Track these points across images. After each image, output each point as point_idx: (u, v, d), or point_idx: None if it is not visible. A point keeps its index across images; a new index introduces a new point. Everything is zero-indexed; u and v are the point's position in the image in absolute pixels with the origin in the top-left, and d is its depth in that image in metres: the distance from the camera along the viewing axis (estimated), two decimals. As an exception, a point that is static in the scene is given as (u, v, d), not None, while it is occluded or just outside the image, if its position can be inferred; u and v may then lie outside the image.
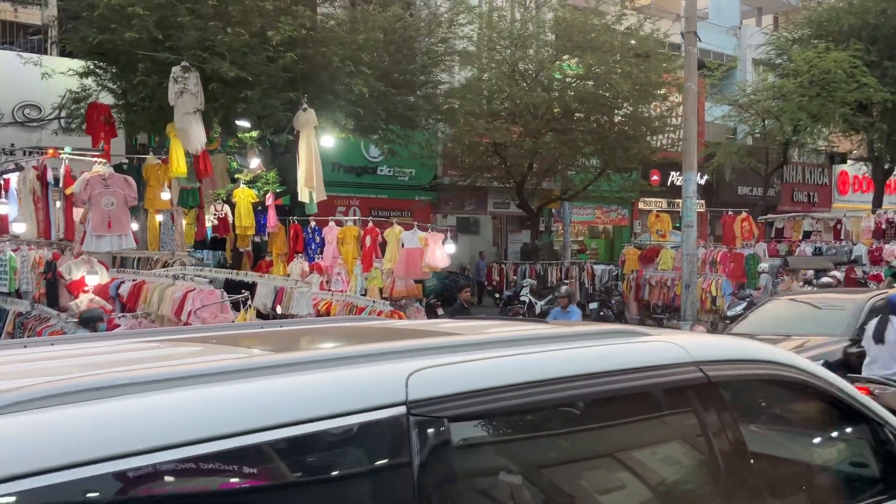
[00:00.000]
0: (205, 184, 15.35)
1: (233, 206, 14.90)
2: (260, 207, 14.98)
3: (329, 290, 13.88)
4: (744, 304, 17.61)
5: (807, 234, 29.05)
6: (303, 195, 14.41)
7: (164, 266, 16.31)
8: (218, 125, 13.52)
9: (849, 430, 3.55)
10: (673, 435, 2.89)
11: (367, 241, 13.62)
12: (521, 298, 21.41)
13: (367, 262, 13.55)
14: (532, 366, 2.45)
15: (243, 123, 14.18)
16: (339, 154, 22.37)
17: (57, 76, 15.73)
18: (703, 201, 33.76)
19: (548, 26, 20.72)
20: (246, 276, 13.06)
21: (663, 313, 20.29)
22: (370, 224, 13.84)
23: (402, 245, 13.01)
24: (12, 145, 14.86)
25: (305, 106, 13.63)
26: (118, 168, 14.59)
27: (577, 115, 20.53)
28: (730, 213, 22.62)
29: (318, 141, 15.68)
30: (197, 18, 12.87)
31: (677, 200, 33.06)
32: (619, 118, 21.75)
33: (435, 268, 13.34)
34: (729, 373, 2.95)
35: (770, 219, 30.25)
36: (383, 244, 13.97)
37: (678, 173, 31.84)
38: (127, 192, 10.67)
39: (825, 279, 16.29)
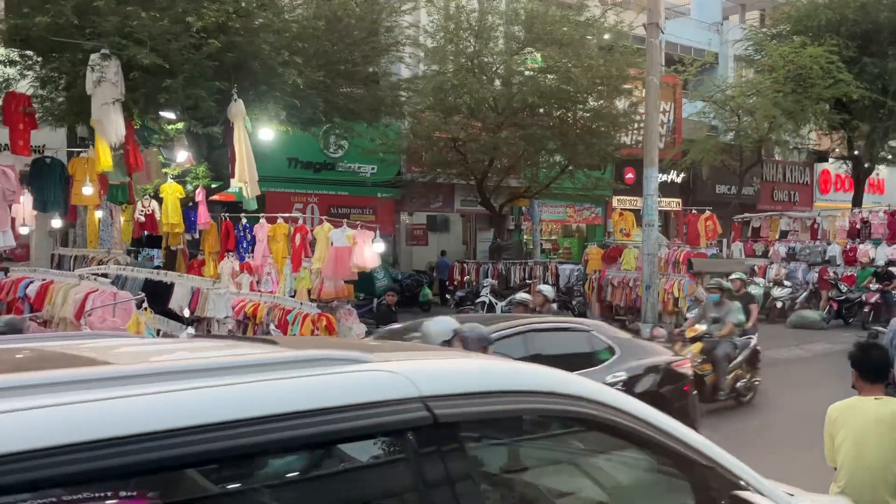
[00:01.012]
0: (137, 178, 14.69)
1: (161, 202, 14.19)
2: (191, 203, 14.28)
3: (259, 290, 13.23)
4: (704, 306, 17.00)
5: (784, 234, 28.54)
6: (245, 191, 13.74)
7: (99, 264, 15.65)
8: (138, 117, 12.81)
9: (674, 477, 2.88)
10: (376, 497, 2.23)
11: (297, 239, 12.93)
12: (481, 298, 20.74)
13: (297, 262, 12.88)
14: (142, 412, 1.79)
15: (168, 115, 13.47)
16: (296, 149, 21.72)
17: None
18: (679, 200, 33.24)
19: (508, 17, 20.01)
20: (166, 276, 12.38)
21: (626, 315, 19.65)
22: (300, 221, 13.16)
23: (332, 244, 12.33)
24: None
25: (235, 96, 12.99)
26: (41, 161, 13.93)
27: (538, 109, 19.79)
28: (693, 211, 21.99)
29: (256, 133, 15.05)
30: (117, 4, 12.15)
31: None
32: (581, 113, 21.03)
33: (363, 268, 12.64)
34: (475, 409, 2.27)
35: (746, 218, 29.71)
36: (315, 243, 13.27)
37: (654, 171, 31.37)
38: (5, 186, 9.95)
39: (521, 295, 12.92)
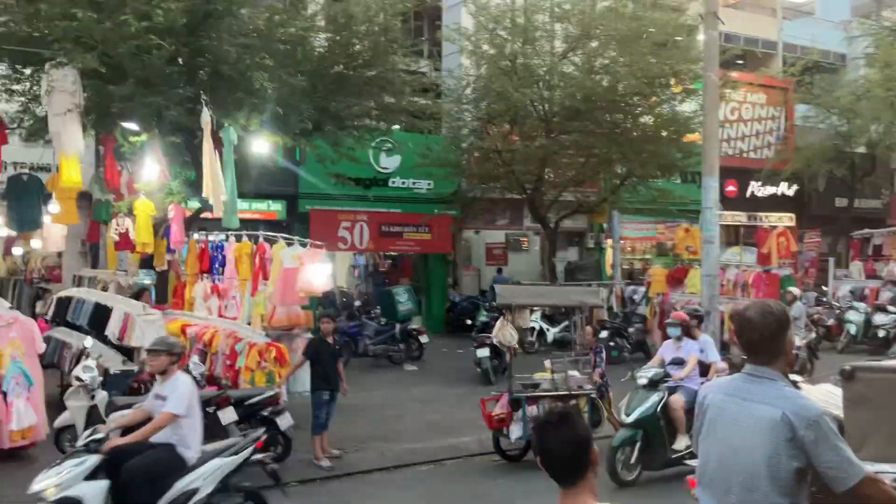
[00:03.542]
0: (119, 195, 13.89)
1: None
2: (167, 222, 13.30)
3: (225, 315, 12.04)
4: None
5: (910, 252, 25.08)
6: (217, 208, 12.67)
7: (104, 288, 14.99)
8: (91, 127, 11.93)
9: None
10: None
11: (257, 259, 11.64)
12: (531, 324, 18.86)
13: (255, 284, 11.60)
14: None
15: (130, 126, 12.54)
16: (342, 164, 20.61)
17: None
18: (791, 215, 30.02)
19: (555, 14, 18.05)
20: (114, 299, 11.39)
21: (690, 344, 17.25)
22: (261, 239, 11.86)
23: (283, 264, 10.97)
24: None
25: (204, 105, 11.92)
26: (17, 178, 13.34)
27: (583, 114, 17.71)
28: (766, 226, 19.33)
29: (249, 145, 13.97)
30: (66, 7, 11.31)
31: (761, 214, 29.55)
32: (640, 118, 18.79)
33: (312, 292, 11.18)
34: None
35: (866, 234, 26.33)
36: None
37: (759, 183, 28.45)
38: None
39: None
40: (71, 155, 11.90)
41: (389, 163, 21.82)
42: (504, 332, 10.70)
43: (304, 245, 11.07)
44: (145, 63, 11.47)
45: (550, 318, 19.30)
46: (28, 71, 12.78)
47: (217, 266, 12.53)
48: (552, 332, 18.81)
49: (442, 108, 18.81)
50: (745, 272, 17.06)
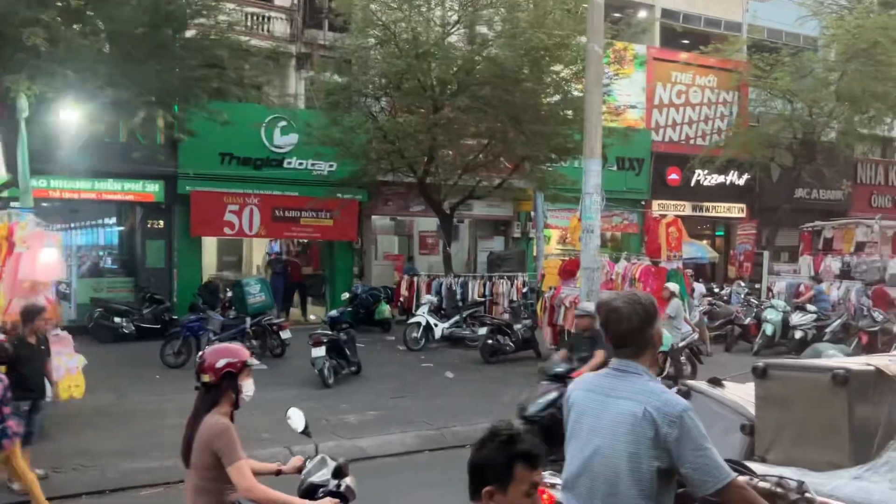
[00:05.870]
0: None
1: None
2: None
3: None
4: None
5: (861, 246, 23.55)
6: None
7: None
8: None
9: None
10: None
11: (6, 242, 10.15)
12: (416, 318, 17.37)
13: (1, 271, 10.13)
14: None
15: None
16: (230, 143, 19.15)
17: None
18: (742, 205, 28.44)
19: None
20: None
21: (580, 343, 15.72)
22: (13, 218, 10.38)
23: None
24: None
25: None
26: None
27: (464, 88, 16.19)
28: (656, 215, 17.76)
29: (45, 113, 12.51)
30: None
31: (706, 203, 27.95)
32: (534, 94, 17.17)
33: (36, 282, 9.67)
34: None
35: (817, 226, 24.75)
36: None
37: (705, 171, 26.87)
38: None
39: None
40: None
41: (285, 141, 20.29)
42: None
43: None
44: None
45: (442, 313, 17.85)
46: None
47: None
48: (441, 328, 17.28)
49: (313, 78, 17.31)
50: (633, 265, 15.51)
